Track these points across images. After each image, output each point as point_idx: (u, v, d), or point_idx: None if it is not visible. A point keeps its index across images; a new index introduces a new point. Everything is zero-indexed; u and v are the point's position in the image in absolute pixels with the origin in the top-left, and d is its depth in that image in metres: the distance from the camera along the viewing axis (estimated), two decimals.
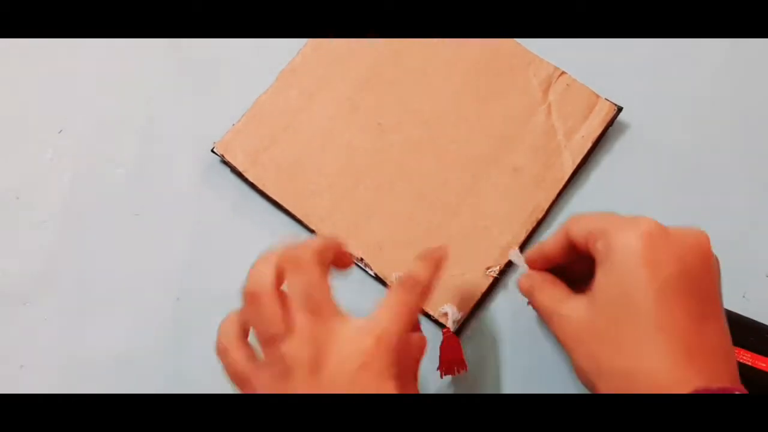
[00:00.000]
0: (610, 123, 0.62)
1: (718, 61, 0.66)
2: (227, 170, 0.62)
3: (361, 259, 0.59)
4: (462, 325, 0.57)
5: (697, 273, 0.45)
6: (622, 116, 0.62)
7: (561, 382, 0.56)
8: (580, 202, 0.61)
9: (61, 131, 0.64)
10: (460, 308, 0.57)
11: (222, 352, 0.49)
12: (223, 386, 0.55)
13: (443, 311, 0.57)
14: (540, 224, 0.60)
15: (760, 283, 0.59)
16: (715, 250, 0.58)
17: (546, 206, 0.60)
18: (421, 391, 0.55)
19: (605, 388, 0.44)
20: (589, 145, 0.61)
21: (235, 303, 0.58)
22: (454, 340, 0.56)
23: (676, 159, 0.63)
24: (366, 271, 0.59)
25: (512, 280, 0.59)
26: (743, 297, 0.57)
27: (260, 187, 0.60)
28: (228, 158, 0.61)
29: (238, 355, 0.49)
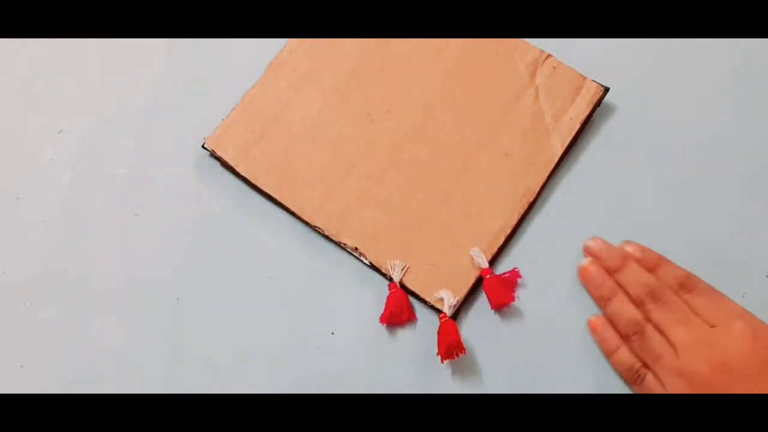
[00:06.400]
0: (598, 104, 0.58)
1: (708, 43, 0.61)
2: (225, 167, 0.58)
3: (356, 249, 0.54)
4: (458, 310, 0.54)
5: None
6: (609, 98, 0.59)
7: (557, 362, 0.53)
8: (570, 185, 0.57)
9: (61, 131, 0.61)
10: (455, 293, 0.53)
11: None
12: (223, 386, 0.53)
13: (439, 297, 0.53)
14: (531, 207, 0.56)
15: (759, 283, 0.54)
16: (714, 249, 0.55)
17: (537, 189, 0.56)
18: (423, 383, 0.52)
19: None
20: (577, 126, 0.57)
21: (235, 302, 0.54)
22: (451, 324, 0.52)
23: (665, 141, 0.59)
24: (361, 261, 0.55)
25: (503, 264, 0.55)
26: (743, 297, 0.53)
27: (252, 180, 0.57)
28: (219, 153, 0.57)
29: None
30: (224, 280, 0.56)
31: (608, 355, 0.52)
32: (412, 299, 0.54)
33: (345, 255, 0.55)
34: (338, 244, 0.55)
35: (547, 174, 0.56)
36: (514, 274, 0.54)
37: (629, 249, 0.53)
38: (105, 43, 0.62)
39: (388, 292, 0.53)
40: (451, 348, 0.51)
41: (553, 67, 0.59)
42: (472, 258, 0.54)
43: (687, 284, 0.51)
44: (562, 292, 0.54)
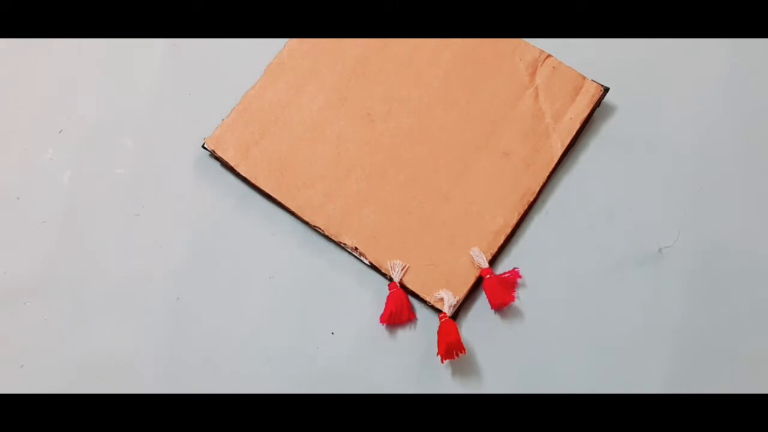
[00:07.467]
0: (597, 104, 0.58)
1: (708, 43, 0.61)
2: (225, 168, 0.58)
3: (356, 249, 0.54)
4: (458, 310, 0.53)
5: None
6: (609, 98, 0.58)
7: (557, 362, 0.53)
8: (570, 185, 0.57)
9: (61, 131, 0.60)
10: (455, 293, 0.53)
11: None
12: (223, 386, 0.52)
13: (439, 297, 0.53)
14: (531, 207, 0.56)
15: (761, 283, 0.54)
16: (714, 249, 0.54)
17: (536, 189, 0.56)
18: (423, 383, 0.52)
19: None
20: (577, 126, 0.57)
21: (235, 302, 0.54)
22: (451, 324, 0.52)
23: (665, 141, 0.58)
24: (361, 261, 0.54)
25: (503, 264, 0.55)
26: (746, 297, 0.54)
27: (252, 180, 0.56)
28: (219, 153, 0.57)
29: None
30: (224, 280, 0.55)
31: None
32: (412, 299, 0.54)
33: (345, 255, 0.55)
34: (338, 244, 0.55)
35: (547, 174, 0.56)
36: (514, 274, 0.53)
37: None
38: (105, 43, 0.62)
39: (388, 292, 0.53)
40: (451, 348, 0.51)
41: (553, 67, 0.58)
42: (472, 258, 0.54)
43: None
44: (562, 292, 0.54)
